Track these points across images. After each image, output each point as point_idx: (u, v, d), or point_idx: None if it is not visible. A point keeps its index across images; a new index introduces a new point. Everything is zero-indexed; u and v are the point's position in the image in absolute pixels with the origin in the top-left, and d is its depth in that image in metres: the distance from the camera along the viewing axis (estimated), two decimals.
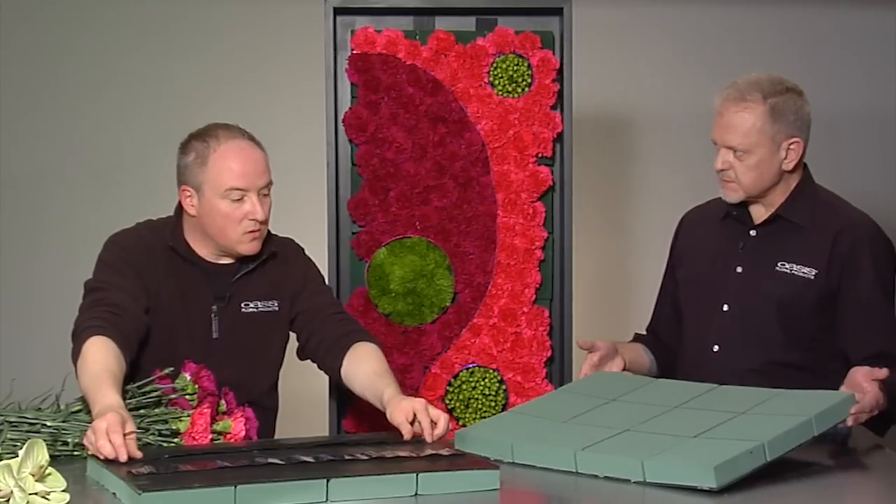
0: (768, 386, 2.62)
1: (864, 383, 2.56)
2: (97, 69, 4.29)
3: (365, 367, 2.74)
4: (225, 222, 2.72)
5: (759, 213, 2.88)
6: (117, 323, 2.59)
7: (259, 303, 2.81)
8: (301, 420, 3.11)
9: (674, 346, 3.00)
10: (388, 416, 2.59)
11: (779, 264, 2.82)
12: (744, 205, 2.89)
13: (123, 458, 2.27)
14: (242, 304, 2.79)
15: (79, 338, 2.57)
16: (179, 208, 2.80)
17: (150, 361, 2.68)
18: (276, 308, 2.83)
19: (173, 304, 2.74)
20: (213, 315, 2.77)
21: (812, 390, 2.56)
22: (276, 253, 2.84)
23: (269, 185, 2.76)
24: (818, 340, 2.78)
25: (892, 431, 2.87)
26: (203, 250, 2.78)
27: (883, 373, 2.57)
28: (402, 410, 2.55)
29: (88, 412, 2.47)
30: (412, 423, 2.54)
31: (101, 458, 2.29)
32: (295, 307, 2.85)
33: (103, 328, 2.56)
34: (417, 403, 2.55)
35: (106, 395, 2.40)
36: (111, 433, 2.28)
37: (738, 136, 2.78)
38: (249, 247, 2.76)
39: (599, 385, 2.76)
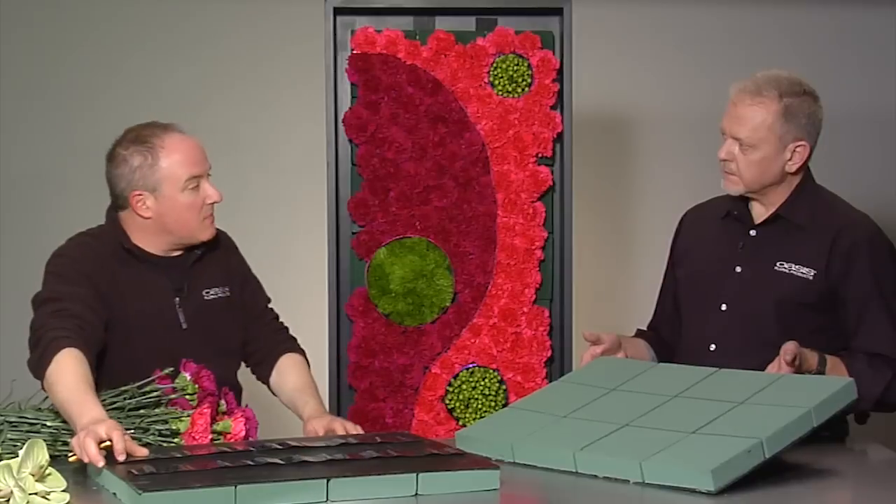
0: None
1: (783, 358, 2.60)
2: (97, 69, 4.29)
3: (287, 382, 2.87)
4: (188, 213, 2.74)
5: (760, 212, 2.88)
6: (83, 336, 2.56)
7: (217, 289, 2.85)
8: (301, 420, 3.10)
9: (675, 344, 2.99)
10: (304, 434, 2.69)
11: (778, 264, 2.81)
12: (745, 204, 2.89)
13: (101, 463, 2.27)
14: (203, 292, 2.82)
15: (47, 347, 2.52)
16: (113, 215, 2.79)
17: (125, 363, 2.67)
18: (229, 293, 2.87)
19: (136, 304, 2.73)
20: (177, 306, 2.78)
21: (812, 376, 2.56)
22: (220, 240, 2.89)
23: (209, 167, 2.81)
24: (816, 342, 2.78)
25: (890, 432, 2.88)
26: (153, 247, 2.78)
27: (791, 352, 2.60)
28: (318, 433, 2.65)
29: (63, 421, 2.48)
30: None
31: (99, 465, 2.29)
32: (242, 296, 2.90)
33: (72, 339, 2.53)
34: (335, 423, 2.65)
35: (92, 409, 2.39)
36: (86, 447, 2.28)
37: (746, 129, 2.78)
38: (209, 231, 2.80)
39: (599, 373, 2.74)
